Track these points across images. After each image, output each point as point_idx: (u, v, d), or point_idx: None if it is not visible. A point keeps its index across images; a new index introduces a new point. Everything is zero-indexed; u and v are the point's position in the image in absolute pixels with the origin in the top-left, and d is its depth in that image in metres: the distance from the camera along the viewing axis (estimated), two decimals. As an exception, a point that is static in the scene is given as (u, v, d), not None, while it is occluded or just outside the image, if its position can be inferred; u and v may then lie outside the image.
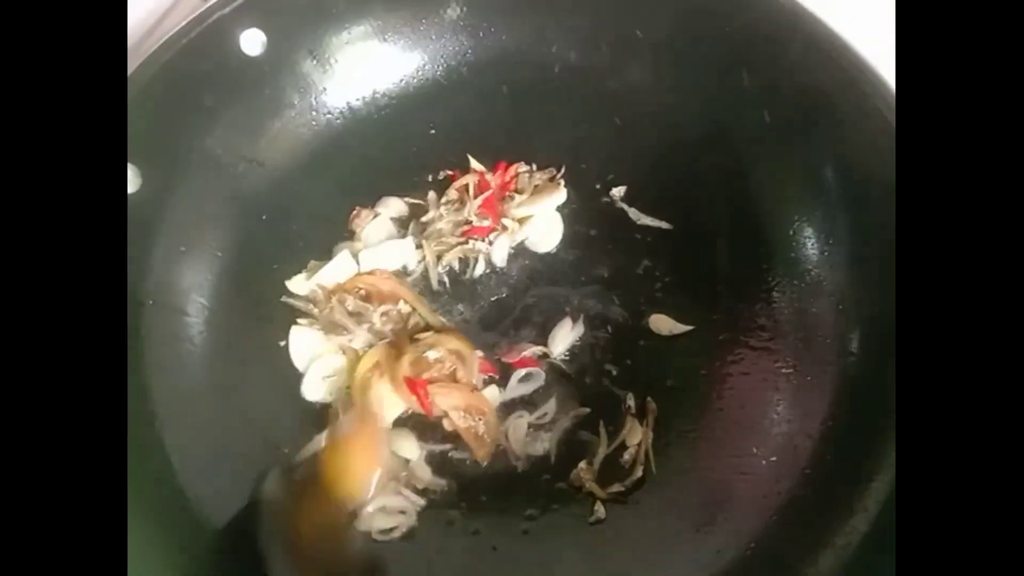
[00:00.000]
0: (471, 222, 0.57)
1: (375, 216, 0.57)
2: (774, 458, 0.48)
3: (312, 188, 0.58)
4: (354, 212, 0.57)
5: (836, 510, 0.42)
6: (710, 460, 0.49)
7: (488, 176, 0.58)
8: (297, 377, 0.52)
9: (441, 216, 0.57)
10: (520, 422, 0.51)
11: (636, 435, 0.52)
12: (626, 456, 0.51)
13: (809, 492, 0.45)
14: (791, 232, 0.51)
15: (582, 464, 0.51)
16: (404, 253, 0.56)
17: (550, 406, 0.52)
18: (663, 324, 0.54)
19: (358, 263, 0.55)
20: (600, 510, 0.49)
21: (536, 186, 0.58)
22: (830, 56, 0.47)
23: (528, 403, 0.52)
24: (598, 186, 0.59)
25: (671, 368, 0.53)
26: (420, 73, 0.60)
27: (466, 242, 0.57)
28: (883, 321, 0.45)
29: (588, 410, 0.52)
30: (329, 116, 0.59)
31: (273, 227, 0.56)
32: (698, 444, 0.50)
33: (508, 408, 0.52)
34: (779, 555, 0.44)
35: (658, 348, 0.54)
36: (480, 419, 0.51)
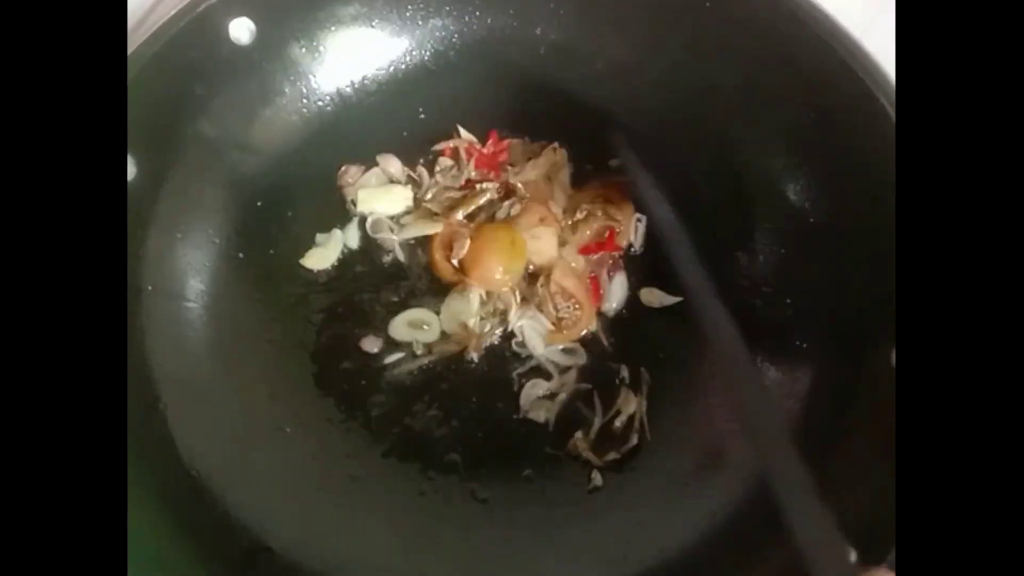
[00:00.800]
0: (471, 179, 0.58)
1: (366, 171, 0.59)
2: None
3: (305, 173, 0.59)
4: (342, 170, 0.59)
5: (826, 465, 0.43)
6: (702, 425, 0.51)
7: (478, 146, 0.59)
8: (303, 361, 0.54)
9: (437, 183, 0.58)
10: (536, 386, 0.53)
11: (630, 405, 0.53)
12: (619, 425, 0.52)
13: (805, 449, 0.46)
14: (774, 192, 0.53)
15: (578, 434, 0.52)
16: (404, 198, 0.58)
17: (568, 377, 0.53)
18: (653, 297, 0.56)
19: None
20: (597, 477, 0.51)
21: (530, 158, 0.59)
22: (803, 23, 0.48)
23: (545, 373, 0.54)
24: (588, 166, 0.60)
25: (662, 340, 0.54)
26: (408, 58, 0.61)
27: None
28: (869, 281, 0.46)
29: (589, 386, 0.53)
30: (320, 103, 0.60)
31: (268, 212, 0.57)
32: (690, 411, 0.52)
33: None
34: (771, 512, 0.45)
35: (649, 321, 0.55)
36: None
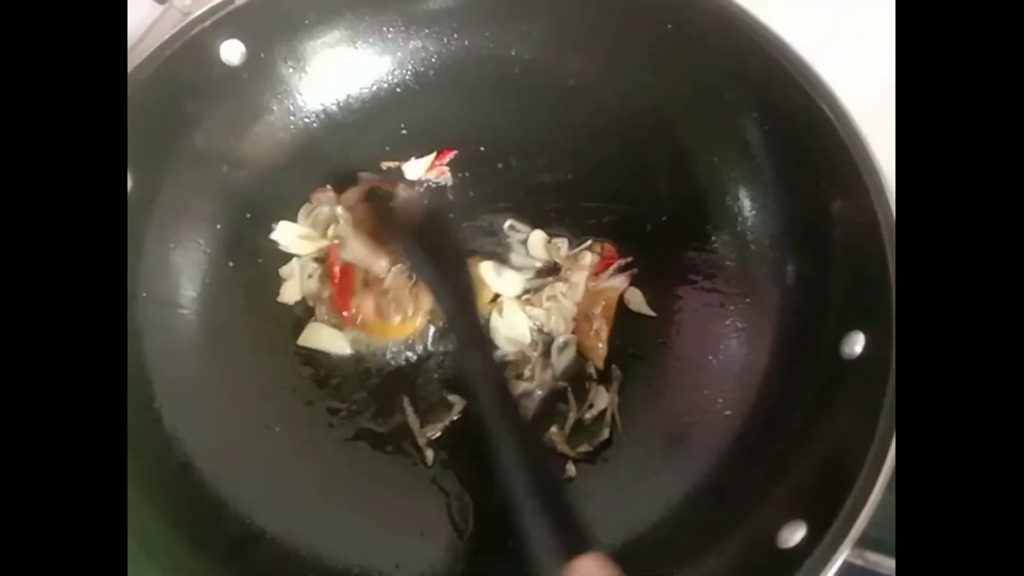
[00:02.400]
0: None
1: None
2: (728, 412, 0.52)
3: (292, 187, 0.62)
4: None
5: (786, 447, 0.47)
6: (670, 417, 0.54)
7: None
8: (289, 364, 0.56)
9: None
10: (514, 387, 0.55)
11: (602, 400, 0.56)
12: (590, 419, 0.55)
13: (760, 432, 0.50)
14: (726, 190, 0.57)
15: (553, 428, 0.55)
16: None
17: (545, 376, 0.56)
18: (635, 299, 0.59)
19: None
20: (571, 469, 0.53)
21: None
22: (754, 42, 0.52)
23: (520, 375, 0.56)
24: (565, 178, 0.63)
25: (632, 337, 0.57)
26: (390, 77, 0.65)
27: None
28: (820, 275, 0.50)
29: (565, 384, 0.56)
30: (306, 120, 0.63)
31: (256, 224, 0.60)
32: (659, 403, 0.55)
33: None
34: (736, 495, 0.48)
35: (621, 319, 0.58)
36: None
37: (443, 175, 0.64)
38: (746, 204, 0.56)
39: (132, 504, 0.44)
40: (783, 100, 0.52)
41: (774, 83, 0.53)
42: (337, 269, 0.58)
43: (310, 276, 0.59)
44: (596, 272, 0.60)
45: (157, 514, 0.45)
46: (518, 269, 0.60)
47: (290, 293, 0.59)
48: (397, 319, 0.57)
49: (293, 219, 0.61)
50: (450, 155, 0.64)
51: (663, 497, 0.50)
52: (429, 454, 0.53)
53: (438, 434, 0.54)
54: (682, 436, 0.52)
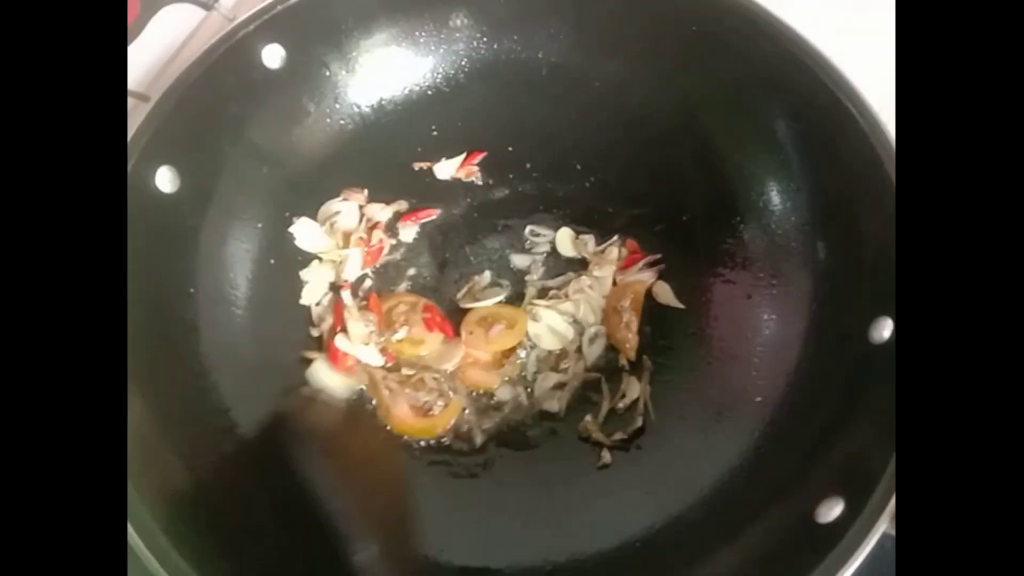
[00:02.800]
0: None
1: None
2: (759, 398, 0.54)
3: (328, 186, 0.64)
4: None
5: (819, 430, 0.48)
6: (703, 404, 0.55)
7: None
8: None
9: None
10: (549, 378, 0.58)
11: (635, 390, 0.57)
12: (623, 408, 0.57)
13: (793, 416, 0.51)
14: (753, 184, 0.59)
15: (588, 417, 0.56)
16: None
17: (579, 368, 0.58)
18: (663, 293, 0.60)
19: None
20: (606, 456, 0.55)
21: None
22: (779, 42, 0.54)
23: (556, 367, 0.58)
24: (592, 179, 0.65)
25: (663, 330, 0.59)
26: (422, 80, 0.67)
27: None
28: (848, 266, 0.52)
29: (598, 375, 0.58)
30: (341, 122, 0.65)
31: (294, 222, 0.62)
32: (692, 391, 0.56)
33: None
34: (772, 480, 0.50)
35: (650, 311, 0.60)
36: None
37: (472, 175, 0.66)
38: (773, 197, 0.58)
39: (194, 495, 0.46)
40: (807, 96, 0.54)
41: (798, 80, 0.54)
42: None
43: (317, 304, 0.60)
44: (623, 267, 0.61)
45: (218, 497, 0.47)
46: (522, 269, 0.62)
47: (311, 296, 0.61)
48: (440, 406, 0.55)
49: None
50: (480, 156, 0.66)
51: (699, 481, 0.51)
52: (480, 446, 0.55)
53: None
54: (715, 422, 0.54)
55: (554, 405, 0.57)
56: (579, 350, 0.59)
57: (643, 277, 0.61)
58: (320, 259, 0.62)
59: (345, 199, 0.64)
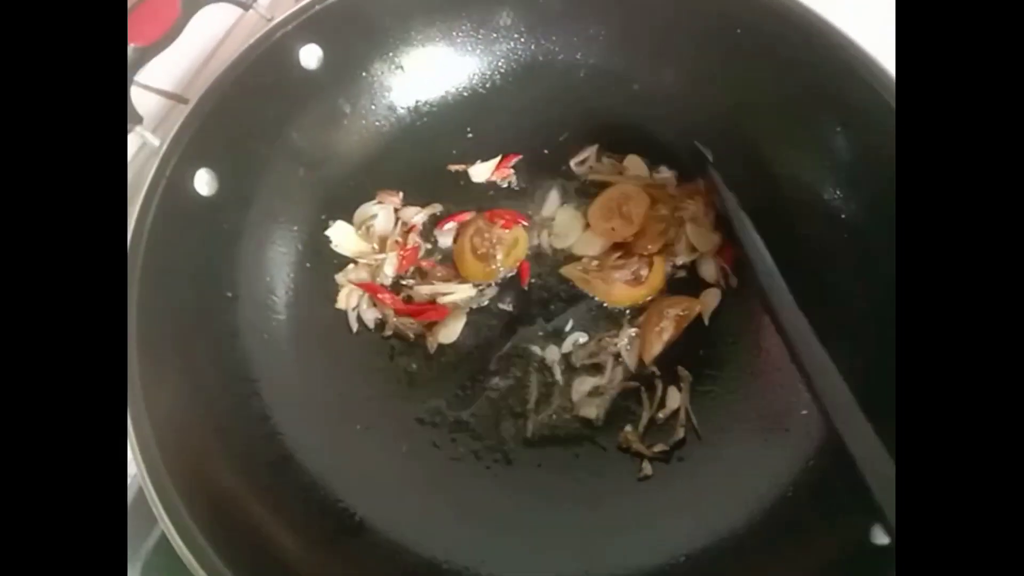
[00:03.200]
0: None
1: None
2: (804, 411, 0.53)
3: (364, 188, 0.63)
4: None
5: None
6: (747, 417, 0.54)
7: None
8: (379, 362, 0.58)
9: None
10: (586, 382, 0.57)
11: (674, 400, 0.56)
12: (663, 418, 0.56)
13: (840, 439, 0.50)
14: (807, 197, 0.57)
15: (628, 427, 0.56)
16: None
17: (615, 374, 0.57)
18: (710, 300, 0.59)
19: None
20: (647, 467, 0.54)
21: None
22: (829, 46, 0.53)
23: (593, 369, 0.57)
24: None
25: (705, 338, 0.58)
26: (458, 82, 0.66)
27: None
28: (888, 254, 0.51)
29: (637, 384, 0.57)
30: (378, 123, 0.64)
31: (329, 225, 0.61)
32: (735, 404, 0.55)
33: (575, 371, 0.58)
34: (823, 497, 0.49)
35: (692, 321, 0.58)
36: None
37: (508, 178, 0.65)
38: (823, 205, 0.56)
39: (235, 493, 0.45)
40: (859, 105, 0.53)
41: (850, 88, 0.53)
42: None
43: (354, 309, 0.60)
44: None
45: (260, 503, 0.46)
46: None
47: (347, 301, 0.60)
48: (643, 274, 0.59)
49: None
50: (515, 159, 0.65)
51: (745, 495, 0.51)
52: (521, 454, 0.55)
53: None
54: (761, 435, 0.53)
55: (592, 412, 0.56)
56: (618, 356, 0.58)
57: (707, 300, 0.59)
58: (355, 263, 0.61)
59: (380, 202, 0.63)
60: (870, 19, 0.53)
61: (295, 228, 0.60)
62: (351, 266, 0.61)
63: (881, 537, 0.42)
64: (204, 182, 0.54)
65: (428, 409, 0.56)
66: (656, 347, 0.58)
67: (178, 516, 0.42)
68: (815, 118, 0.56)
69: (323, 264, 0.60)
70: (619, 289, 0.59)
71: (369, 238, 0.62)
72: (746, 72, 0.59)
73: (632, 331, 0.58)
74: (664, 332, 0.58)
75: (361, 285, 0.59)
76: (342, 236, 0.61)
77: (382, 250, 0.61)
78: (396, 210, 0.63)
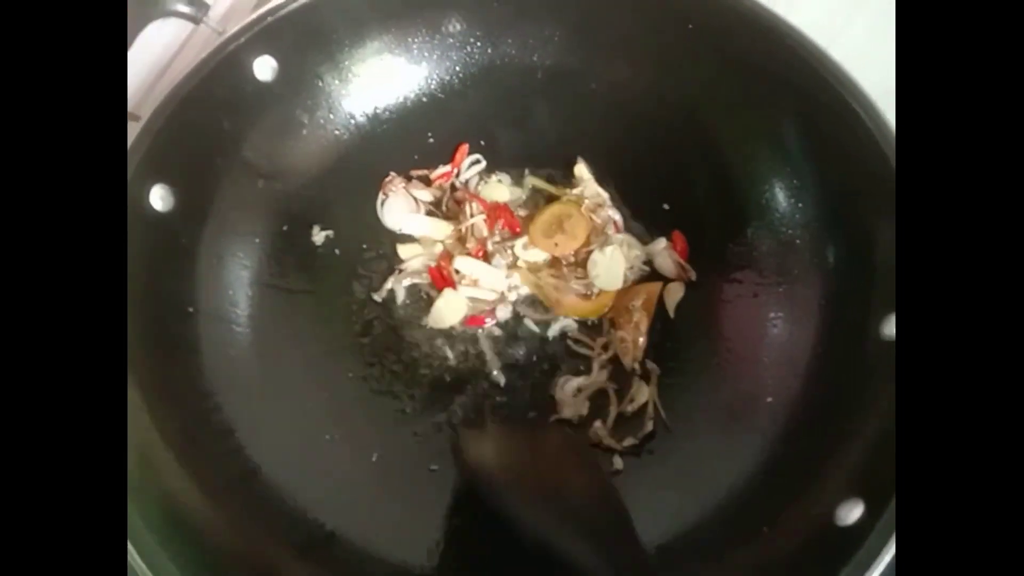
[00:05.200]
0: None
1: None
2: (770, 399, 0.53)
3: (325, 198, 0.63)
4: (388, 178, 0.64)
5: (835, 429, 0.48)
6: (715, 406, 0.55)
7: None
8: (344, 371, 0.58)
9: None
10: (571, 384, 0.57)
11: (643, 394, 0.57)
12: (631, 412, 0.56)
13: (804, 424, 0.51)
14: (764, 200, 0.58)
15: (597, 423, 0.56)
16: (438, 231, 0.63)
17: (600, 375, 0.57)
18: (672, 297, 0.60)
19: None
20: (618, 461, 0.54)
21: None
22: (780, 40, 0.54)
23: (577, 370, 0.58)
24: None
25: (671, 331, 0.59)
26: (417, 88, 0.66)
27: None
28: (853, 265, 0.52)
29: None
30: (336, 132, 0.64)
31: (292, 236, 0.61)
32: (703, 393, 0.56)
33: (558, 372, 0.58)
34: (788, 481, 0.49)
35: (658, 316, 0.59)
36: None
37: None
38: (779, 196, 0.57)
39: (198, 508, 0.45)
40: (810, 94, 0.53)
41: (800, 78, 0.54)
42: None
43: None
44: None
45: (225, 518, 0.46)
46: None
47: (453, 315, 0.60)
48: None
49: (328, 228, 0.63)
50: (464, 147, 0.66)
51: (714, 484, 0.51)
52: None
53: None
54: (728, 424, 0.53)
55: (582, 409, 0.57)
56: (610, 357, 0.58)
57: (671, 293, 0.60)
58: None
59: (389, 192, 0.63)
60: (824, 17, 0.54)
61: (256, 240, 0.60)
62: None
63: (845, 519, 0.42)
64: (159, 197, 0.53)
65: (397, 417, 0.56)
66: (640, 341, 0.58)
67: (139, 535, 0.41)
68: (768, 109, 0.57)
69: (286, 275, 0.60)
70: (570, 301, 0.59)
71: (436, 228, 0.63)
72: (696, 65, 0.60)
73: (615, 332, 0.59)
74: (640, 323, 0.58)
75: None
76: (411, 251, 0.62)
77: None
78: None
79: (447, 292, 0.60)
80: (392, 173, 0.64)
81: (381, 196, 0.64)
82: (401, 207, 0.63)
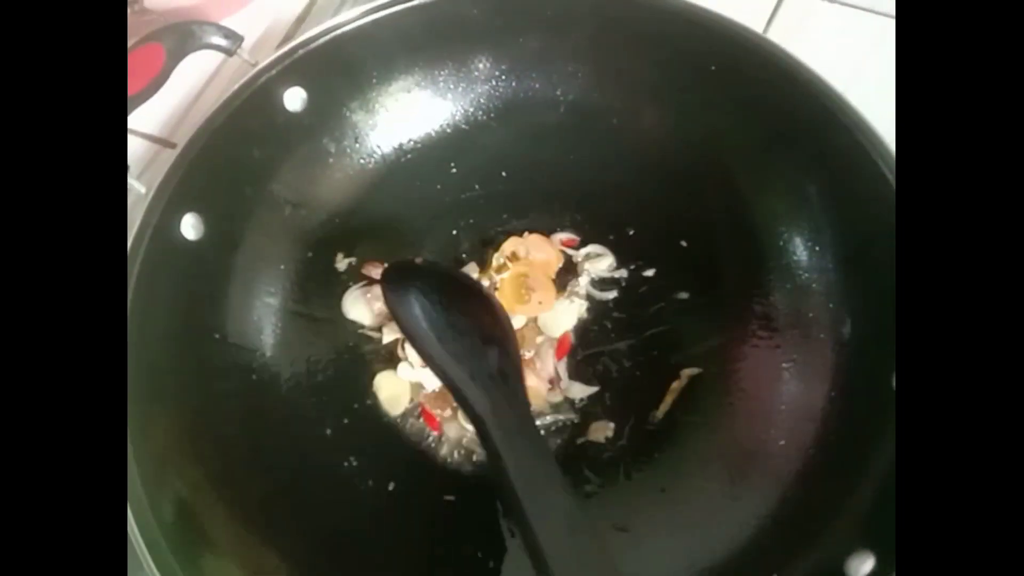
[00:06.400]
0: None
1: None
2: (782, 441, 0.54)
3: (348, 225, 0.64)
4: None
5: (847, 477, 0.48)
6: (726, 451, 0.55)
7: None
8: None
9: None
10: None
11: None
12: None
13: (819, 463, 0.51)
14: (782, 242, 0.58)
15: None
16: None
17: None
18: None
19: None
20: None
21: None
22: (804, 88, 0.54)
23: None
24: (608, 213, 0.65)
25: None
26: (442, 120, 0.67)
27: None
28: (870, 311, 0.52)
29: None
30: (362, 161, 0.65)
31: (317, 264, 0.63)
32: (713, 438, 0.56)
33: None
34: (799, 530, 0.50)
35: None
36: None
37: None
38: (796, 240, 0.57)
39: (221, 528, 0.46)
40: (828, 140, 0.54)
41: (819, 123, 0.55)
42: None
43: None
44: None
45: (246, 538, 0.48)
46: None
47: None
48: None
49: (351, 255, 0.64)
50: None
51: (723, 530, 0.51)
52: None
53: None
54: (740, 469, 0.54)
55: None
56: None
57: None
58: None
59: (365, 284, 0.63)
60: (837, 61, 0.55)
61: (282, 267, 0.61)
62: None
63: (856, 571, 0.43)
64: (190, 226, 0.55)
65: (417, 441, 0.57)
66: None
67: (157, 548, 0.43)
68: (787, 157, 0.57)
69: (308, 301, 0.61)
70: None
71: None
72: (720, 109, 0.60)
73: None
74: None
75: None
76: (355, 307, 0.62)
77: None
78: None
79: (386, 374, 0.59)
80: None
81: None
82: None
